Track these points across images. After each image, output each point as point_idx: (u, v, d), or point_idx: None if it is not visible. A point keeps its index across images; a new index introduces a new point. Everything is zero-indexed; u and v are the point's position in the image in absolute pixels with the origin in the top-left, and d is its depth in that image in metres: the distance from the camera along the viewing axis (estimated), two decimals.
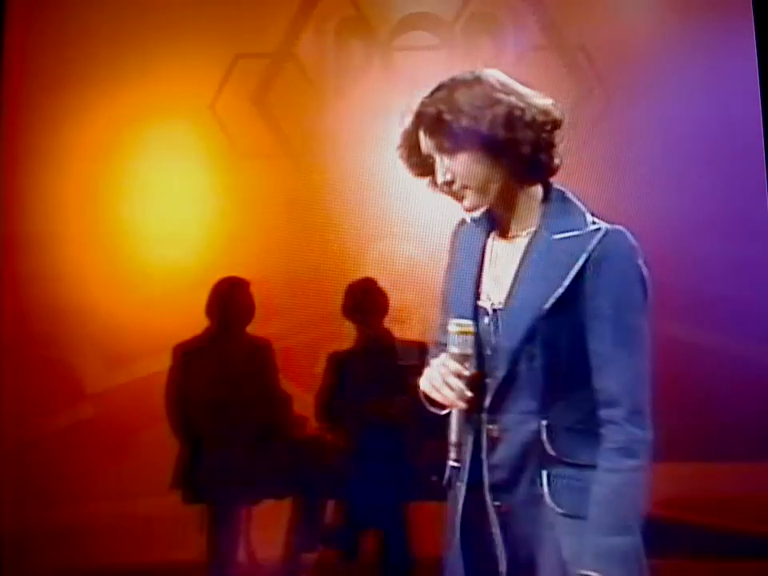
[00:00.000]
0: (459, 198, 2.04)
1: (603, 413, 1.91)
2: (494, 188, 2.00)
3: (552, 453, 1.93)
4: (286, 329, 5.46)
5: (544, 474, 1.93)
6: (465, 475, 2.02)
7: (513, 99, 1.97)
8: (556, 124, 2.01)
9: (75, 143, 5.81)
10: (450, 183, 2.02)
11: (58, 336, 5.64)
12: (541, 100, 2.01)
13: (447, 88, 1.99)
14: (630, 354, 1.91)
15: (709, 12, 5.78)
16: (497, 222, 2.09)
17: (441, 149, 1.99)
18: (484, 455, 1.99)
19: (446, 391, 1.96)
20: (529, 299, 1.95)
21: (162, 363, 5.06)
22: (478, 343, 2.01)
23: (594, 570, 1.84)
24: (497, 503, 1.97)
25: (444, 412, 2.06)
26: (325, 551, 5.22)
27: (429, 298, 5.44)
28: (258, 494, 5.02)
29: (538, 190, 2.03)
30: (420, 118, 2.00)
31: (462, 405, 1.96)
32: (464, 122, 1.94)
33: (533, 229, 2.02)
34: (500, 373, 1.96)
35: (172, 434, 5.05)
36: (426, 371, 2.03)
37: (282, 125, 5.90)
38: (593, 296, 1.92)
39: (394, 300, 5.25)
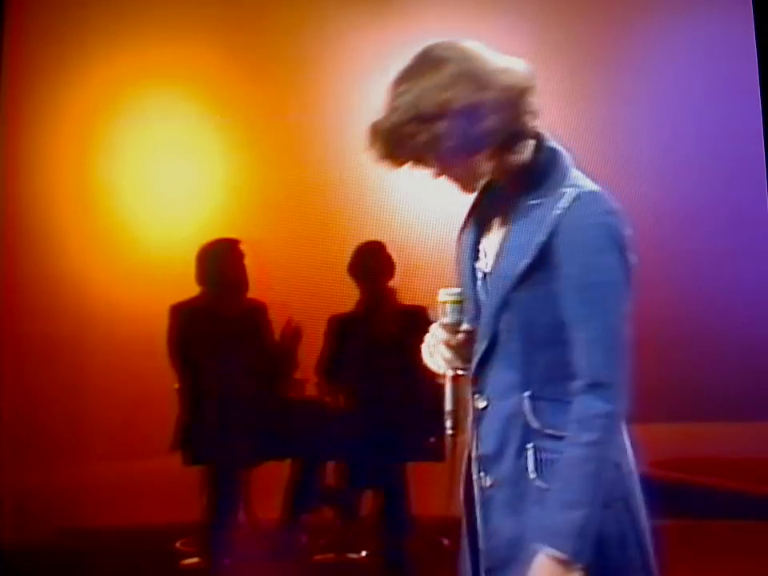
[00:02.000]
0: (453, 188, 2.00)
1: (574, 384, 1.87)
2: (474, 171, 1.94)
3: (535, 425, 1.89)
4: (286, 292, 5.46)
5: (529, 446, 1.90)
6: (464, 446, 2.02)
7: (468, 90, 1.86)
8: (522, 93, 1.91)
9: (70, 114, 5.80)
10: (437, 176, 1.97)
11: (56, 308, 5.65)
12: (504, 74, 1.90)
13: (395, 93, 1.92)
14: (595, 325, 1.85)
15: (709, 11, 5.77)
16: (500, 186, 2.05)
17: (409, 160, 1.94)
18: (474, 426, 1.98)
19: (435, 359, 1.97)
20: (505, 267, 1.92)
21: (161, 329, 5.06)
22: (477, 307, 2.00)
23: (542, 543, 1.82)
24: (481, 475, 1.95)
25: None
26: (324, 511, 5.25)
27: (432, 259, 5.45)
28: (257, 456, 5.03)
29: (528, 151, 1.95)
30: (381, 142, 1.94)
31: (449, 373, 1.96)
32: (422, 135, 1.87)
33: (522, 196, 1.96)
34: (483, 342, 1.94)
35: (172, 396, 5.06)
36: (426, 342, 2.03)
37: (280, 85, 5.88)
38: (560, 264, 1.87)
39: (398, 264, 5.24)
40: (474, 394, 1.97)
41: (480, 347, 1.95)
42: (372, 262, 5.16)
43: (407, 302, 5.15)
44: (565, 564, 1.81)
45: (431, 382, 2.12)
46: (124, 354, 5.62)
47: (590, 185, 1.93)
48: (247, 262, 5.10)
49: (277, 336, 5.11)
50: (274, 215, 5.76)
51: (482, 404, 1.95)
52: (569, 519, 1.82)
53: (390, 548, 4.96)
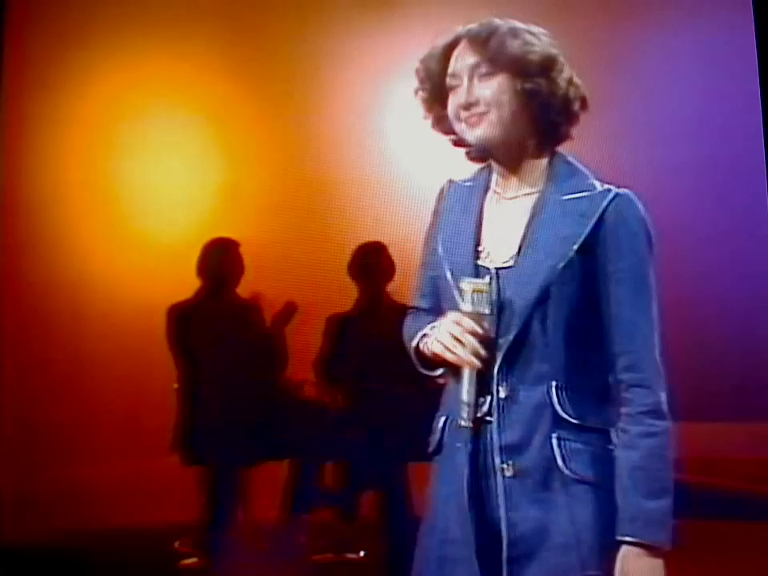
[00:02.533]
0: (472, 124, 1.99)
1: (628, 376, 1.90)
2: (513, 130, 1.97)
3: (563, 415, 1.91)
4: (283, 291, 5.45)
5: (554, 436, 1.91)
6: (468, 437, 1.98)
7: (557, 51, 2.03)
8: (584, 102, 2.05)
9: (75, 110, 5.80)
10: (470, 106, 1.97)
11: (57, 302, 5.65)
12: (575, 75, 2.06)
13: (501, 22, 2.02)
14: (650, 319, 1.92)
15: (709, 12, 5.76)
16: (496, 181, 2.05)
17: (476, 67, 1.97)
18: (495, 416, 1.95)
19: (460, 350, 1.93)
20: (542, 258, 1.92)
21: (160, 329, 5.06)
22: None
23: (634, 536, 1.84)
24: (505, 464, 1.94)
25: (437, 373, 2.07)
26: (323, 512, 5.25)
27: None
28: (256, 456, 5.03)
29: (546, 151, 2.02)
30: (469, 34, 2.01)
31: (477, 363, 1.93)
32: (516, 45, 1.96)
33: (536, 190, 1.99)
34: (511, 333, 1.94)
35: (171, 396, 5.06)
36: (435, 332, 2.00)
37: (280, 86, 5.87)
38: (608, 259, 1.91)
39: (397, 262, 5.24)
40: (497, 383, 1.95)
41: (507, 338, 1.94)
42: (372, 262, 5.16)
43: (406, 302, 5.13)
44: (657, 552, 1.86)
45: (431, 381, 2.11)
46: (124, 354, 5.62)
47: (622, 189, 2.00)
48: (246, 261, 5.11)
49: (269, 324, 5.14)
50: (273, 215, 5.75)
51: (504, 393, 1.95)
52: (658, 508, 1.86)
53: (390, 549, 4.96)
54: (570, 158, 2.04)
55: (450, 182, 2.14)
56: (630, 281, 1.91)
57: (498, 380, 1.95)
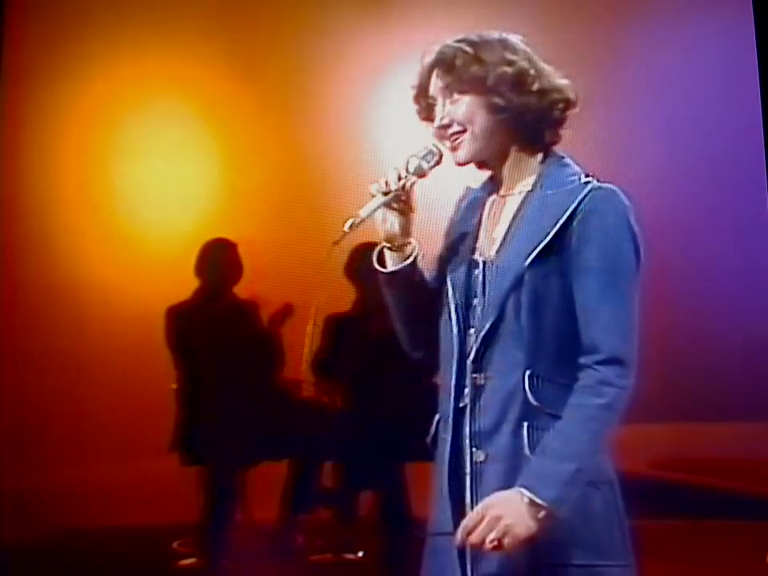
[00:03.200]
0: (453, 148, 2.06)
1: (582, 359, 1.92)
2: (491, 142, 2.04)
3: (535, 403, 1.92)
4: (281, 291, 5.46)
5: (525, 424, 1.93)
6: (449, 427, 2.02)
7: (526, 65, 2.01)
8: (568, 104, 2.05)
9: (72, 109, 5.81)
10: (445, 127, 2.05)
11: (56, 302, 5.65)
12: (557, 78, 2.06)
13: (469, 39, 2.03)
14: (615, 308, 1.92)
15: (709, 13, 5.77)
16: (496, 182, 2.12)
17: (446, 89, 2.03)
18: (470, 404, 1.99)
19: (392, 173, 2.14)
20: (517, 251, 1.97)
21: (159, 330, 5.06)
22: (467, 294, 2.03)
23: (525, 487, 1.85)
24: (473, 450, 1.97)
25: (389, 269, 2.21)
26: (321, 512, 5.25)
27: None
28: (254, 456, 5.03)
29: (537, 153, 2.06)
30: (437, 58, 2.05)
31: (393, 185, 2.13)
32: (474, 67, 1.99)
33: (529, 187, 2.04)
34: (488, 321, 1.98)
35: (169, 397, 5.06)
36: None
37: (278, 82, 5.88)
38: (579, 249, 1.94)
39: None
40: (473, 372, 1.99)
41: (483, 326, 1.98)
42: (366, 263, 5.15)
43: None
44: (537, 508, 1.84)
45: (429, 381, 2.12)
46: (122, 355, 5.62)
47: (606, 183, 2.02)
48: (245, 261, 5.12)
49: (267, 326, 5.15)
50: (271, 215, 5.76)
51: (480, 381, 1.98)
52: (559, 470, 1.86)
53: (388, 548, 4.96)
54: (565, 157, 2.08)
55: (467, 188, 2.20)
56: (598, 271, 1.92)
57: (474, 368, 1.99)
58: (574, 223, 1.94)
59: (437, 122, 2.06)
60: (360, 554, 5.18)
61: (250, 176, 5.89)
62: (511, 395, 1.95)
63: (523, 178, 2.05)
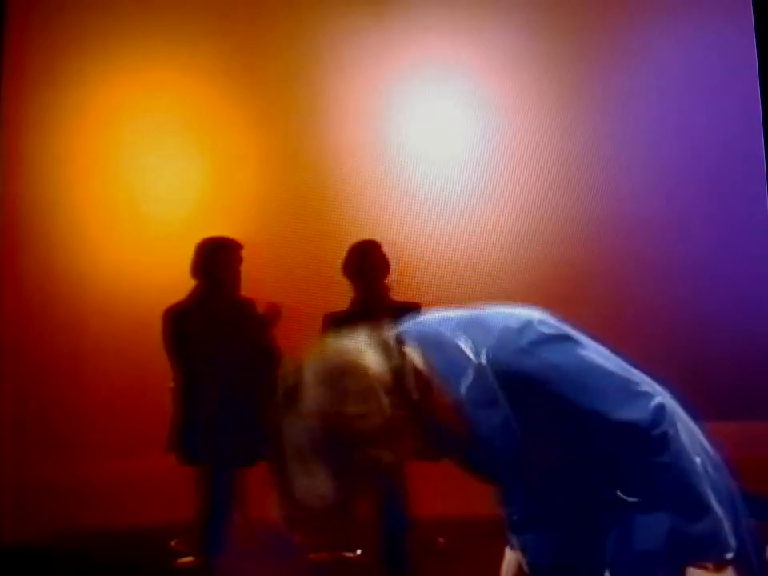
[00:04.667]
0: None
1: (631, 451, 1.90)
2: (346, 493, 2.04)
3: (625, 497, 1.92)
4: (281, 291, 5.46)
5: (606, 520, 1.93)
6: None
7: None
8: (362, 436, 1.90)
9: (75, 111, 5.81)
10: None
11: (55, 302, 5.65)
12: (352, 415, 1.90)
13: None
14: (593, 392, 1.88)
15: (709, 14, 5.77)
16: None
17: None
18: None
19: None
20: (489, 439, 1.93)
21: (157, 330, 5.05)
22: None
23: (696, 559, 1.87)
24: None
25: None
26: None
27: (428, 260, 5.46)
28: (252, 455, 5.02)
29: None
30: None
31: None
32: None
33: None
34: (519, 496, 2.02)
35: (167, 396, 5.06)
36: None
37: (278, 86, 5.88)
38: (519, 389, 1.89)
39: (393, 262, 5.24)
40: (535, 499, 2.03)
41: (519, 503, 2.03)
42: (366, 261, 5.15)
43: (401, 299, 5.15)
44: (718, 567, 1.87)
45: None
46: (120, 354, 5.62)
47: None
48: (244, 262, 5.11)
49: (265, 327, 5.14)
50: (269, 215, 5.77)
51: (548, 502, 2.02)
52: (700, 526, 1.87)
53: (387, 547, 4.96)
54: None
55: None
56: (546, 386, 1.88)
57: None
58: (496, 376, 1.90)
59: None
60: (358, 552, 5.18)
61: (249, 177, 5.90)
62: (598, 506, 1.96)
63: None
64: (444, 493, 2.11)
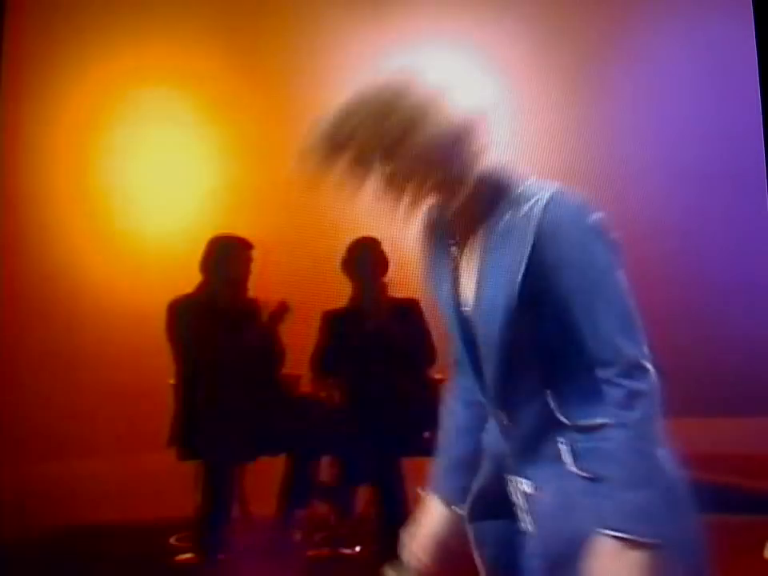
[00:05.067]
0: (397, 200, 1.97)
1: (599, 373, 1.90)
2: (419, 198, 1.95)
3: (565, 420, 1.92)
4: (280, 287, 5.46)
5: (561, 441, 1.93)
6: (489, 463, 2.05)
7: (418, 111, 1.88)
8: (467, 127, 1.90)
9: (70, 107, 5.81)
10: (382, 198, 1.97)
11: (53, 299, 5.65)
12: (455, 103, 1.91)
13: (358, 114, 1.92)
14: (611, 314, 1.88)
15: (709, 14, 5.77)
16: (452, 226, 2.06)
17: (350, 170, 1.95)
18: (496, 440, 2.02)
19: None
20: (495, 296, 1.92)
21: (156, 326, 5.06)
22: (466, 343, 2.02)
23: (613, 529, 1.83)
24: (522, 484, 1.99)
25: None
26: (318, 507, 5.26)
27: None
28: (252, 452, 5.03)
29: (478, 179, 1.94)
30: (349, 154, 1.94)
31: None
32: (349, 155, 1.91)
33: (483, 223, 1.97)
34: (493, 366, 1.96)
35: (167, 392, 5.07)
36: None
37: (276, 80, 5.88)
38: (558, 270, 1.89)
39: (392, 260, 5.25)
40: (496, 410, 2.00)
41: (492, 372, 1.96)
42: (364, 258, 5.16)
43: (400, 296, 5.16)
44: (630, 545, 1.82)
45: (425, 376, 2.12)
46: (120, 351, 5.63)
47: (550, 186, 1.94)
48: (250, 259, 5.12)
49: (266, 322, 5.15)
50: (268, 212, 5.77)
51: (506, 419, 1.99)
52: (630, 499, 1.83)
53: (385, 544, 4.97)
54: (504, 169, 1.98)
55: (425, 229, 2.13)
56: (584, 283, 1.88)
57: (494, 408, 2.00)
58: (542, 247, 1.88)
59: (384, 190, 1.96)
60: (357, 548, 5.19)
61: (247, 174, 5.90)
62: (540, 419, 1.94)
63: (474, 215, 1.98)
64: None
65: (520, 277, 1.89)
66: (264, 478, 5.14)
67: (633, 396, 1.86)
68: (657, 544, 1.83)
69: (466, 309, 2.01)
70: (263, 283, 5.24)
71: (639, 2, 5.86)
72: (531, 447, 1.96)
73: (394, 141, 1.89)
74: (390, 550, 5.08)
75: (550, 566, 1.94)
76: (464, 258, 2.03)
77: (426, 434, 4.92)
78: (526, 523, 2.00)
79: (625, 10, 5.78)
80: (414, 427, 4.93)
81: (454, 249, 2.04)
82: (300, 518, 5.22)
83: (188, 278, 5.07)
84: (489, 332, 1.95)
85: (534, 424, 1.95)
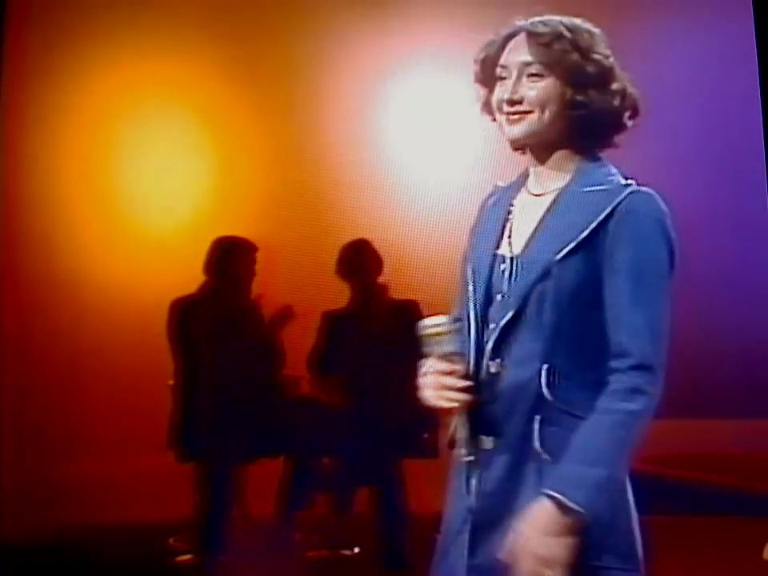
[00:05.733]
0: (511, 121, 2.00)
1: (612, 363, 1.90)
2: (551, 131, 1.99)
3: (549, 398, 1.91)
4: (282, 289, 5.46)
5: (537, 418, 1.92)
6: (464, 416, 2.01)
7: (614, 63, 2.02)
8: (635, 112, 2.04)
9: (73, 107, 5.81)
10: (513, 103, 1.98)
11: (54, 299, 5.65)
12: (629, 83, 2.05)
13: (564, 22, 2.00)
14: (647, 313, 1.90)
15: (709, 14, 5.77)
16: (530, 181, 2.08)
17: (529, 66, 1.98)
18: (482, 391, 1.98)
19: (450, 394, 1.96)
20: (547, 245, 1.95)
21: (159, 321, 5.06)
22: (488, 290, 2.02)
23: (556, 491, 1.83)
24: (482, 437, 1.98)
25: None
26: (317, 508, 5.26)
27: (424, 260, 5.47)
28: (251, 453, 5.04)
29: (581, 153, 2.03)
30: (530, 30, 1.99)
31: (468, 397, 1.95)
32: (572, 55, 1.96)
33: (562, 184, 2.01)
34: (509, 311, 1.95)
35: (166, 393, 5.07)
36: (424, 380, 2.02)
37: (277, 84, 5.89)
38: (613, 250, 1.91)
39: (392, 261, 5.25)
40: (489, 359, 1.98)
41: (504, 316, 1.96)
42: (356, 260, 5.16)
43: (399, 297, 5.16)
44: (569, 514, 1.83)
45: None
46: (119, 352, 5.63)
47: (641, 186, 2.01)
48: (254, 260, 5.12)
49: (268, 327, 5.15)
50: (271, 214, 5.77)
51: (494, 369, 1.97)
52: (588, 474, 1.84)
53: (385, 544, 4.97)
54: (602, 157, 2.05)
55: (495, 186, 2.17)
56: (630, 273, 1.90)
57: (489, 356, 1.98)
58: (610, 223, 1.92)
59: (506, 95, 1.98)
60: (356, 549, 5.19)
61: (248, 175, 5.90)
62: (525, 387, 1.94)
63: (558, 176, 2.02)
64: (442, 490, 2.11)
65: (582, 235, 1.91)
66: (263, 479, 5.15)
67: (636, 391, 1.87)
68: (587, 518, 1.83)
69: (507, 253, 2.01)
70: (267, 285, 5.24)
71: (639, 2, 5.86)
72: (506, 407, 1.95)
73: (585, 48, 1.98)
74: (388, 551, 5.12)
75: (477, 518, 1.96)
76: (527, 207, 2.05)
77: (426, 435, 4.92)
78: (471, 486, 1.99)
79: (624, 10, 5.78)
80: (414, 428, 4.93)
81: (520, 196, 2.07)
82: (299, 519, 5.22)
83: (192, 280, 5.07)
84: (526, 275, 1.95)
85: (516, 387, 1.94)
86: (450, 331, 1.96)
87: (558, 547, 1.83)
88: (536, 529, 1.84)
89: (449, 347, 1.96)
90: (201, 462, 4.98)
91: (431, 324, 1.97)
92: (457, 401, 1.96)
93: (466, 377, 1.96)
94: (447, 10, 5.63)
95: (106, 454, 5.64)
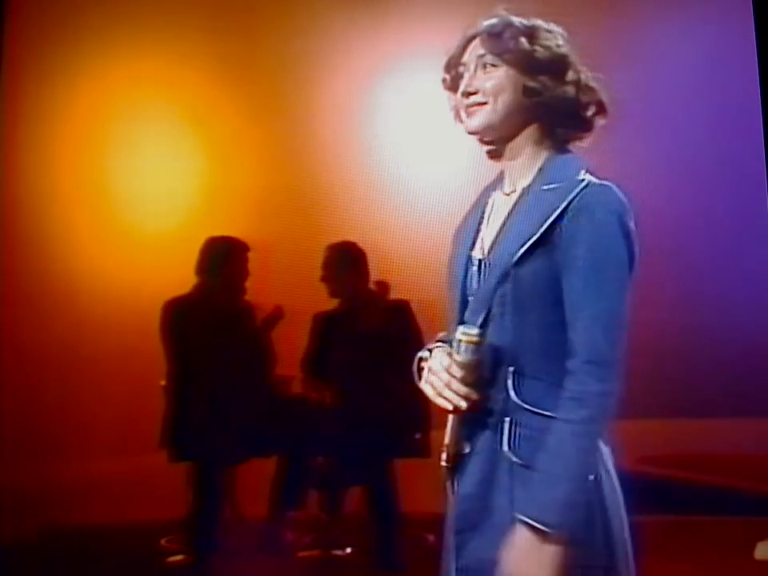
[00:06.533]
0: (469, 114, 2.02)
1: (567, 363, 1.90)
2: (508, 122, 2.00)
3: (516, 400, 1.93)
4: (274, 290, 5.46)
5: (506, 420, 1.93)
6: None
7: (571, 55, 2.02)
8: (600, 109, 2.05)
9: (68, 108, 5.81)
10: (469, 94, 2.01)
11: (50, 300, 5.65)
12: (593, 81, 2.05)
13: (520, 17, 2.03)
14: (599, 307, 1.89)
15: (709, 14, 5.77)
16: (502, 179, 2.09)
17: (482, 57, 2.00)
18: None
19: (449, 394, 1.95)
20: (507, 247, 1.95)
21: (152, 322, 5.05)
22: (463, 292, 2.03)
23: (530, 517, 1.84)
24: (461, 442, 1.99)
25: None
26: (309, 508, 5.26)
27: (416, 261, 5.47)
28: (243, 453, 5.04)
29: (546, 147, 2.03)
30: (485, 26, 2.02)
31: (464, 405, 1.95)
32: (522, 41, 1.98)
33: (527, 183, 2.01)
34: (476, 318, 1.97)
35: (159, 394, 5.07)
36: (427, 374, 2.01)
37: (272, 84, 5.88)
38: (568, 246, 1.90)
39: (384, 262, 5.25)
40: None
41: (477, 319, 1.97)
42: (335, 261, 5.14)
43: (391, 298, 5.17)
44: (546, 536, 1.84)
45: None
46: (113, 353, 5.62)
47: (600, 180, 1.98)
48: (247, 261, 5.11)
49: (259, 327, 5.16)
50: (264, 214, 5.77)
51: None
52: (558, 493, 1.85)
53: (377, 544, 4.97)
54: (572, 152, 2.04)
55: (485, 188, 2.17)
56: (584, 269, 1.89)
57: None
58: (565, 220, 1.91)
59: (462, 88, 2.02)
60: (348, 550, 5.19)
61: (242, 175, 5.90)
62: (494, 390, 1.95)
63: (526, 174, 2.02)
64: (434, 490, 2.11)
65: (535, 236, 1.90)
66: (255, 479, 5.15)
67: (589, 394, 1.87)
68: (568, 539, 1.84)
69: (477, 255, 2.03)
70: (259, 285, 5.24)
71: (639, 1, 5.86)
72: (478, 413, 1.95)
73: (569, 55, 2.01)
74: (380, 551, 5.12)
75: (457, 522, 1.99)
76: (497, 208, 2.06)
77: (418, 436, 4.93)
78: (453, 482, 2.02)
79: (624, 9, 5.78)
80: (406, 428, 4.94)
81: (494, 196, 2.09)
82: (291, 519, 5.22)
83: (186, 281, 5.07)
84: (489, 279, 1.97)
85: (487, 391, 1.95)
86: (475, 342, 1.94)
87: (543, 570, 1.85)
88: (518, 556, 1.86)
89: (471, 356, 1.95)
90: (193, 462, 4.98)
91: (463, 331, 1.96)
92: (451, 406, 1.96)
93: (472, 386, 1.95)
94: (442, 9, 5.63)
95: (97, 454, 5.64)
